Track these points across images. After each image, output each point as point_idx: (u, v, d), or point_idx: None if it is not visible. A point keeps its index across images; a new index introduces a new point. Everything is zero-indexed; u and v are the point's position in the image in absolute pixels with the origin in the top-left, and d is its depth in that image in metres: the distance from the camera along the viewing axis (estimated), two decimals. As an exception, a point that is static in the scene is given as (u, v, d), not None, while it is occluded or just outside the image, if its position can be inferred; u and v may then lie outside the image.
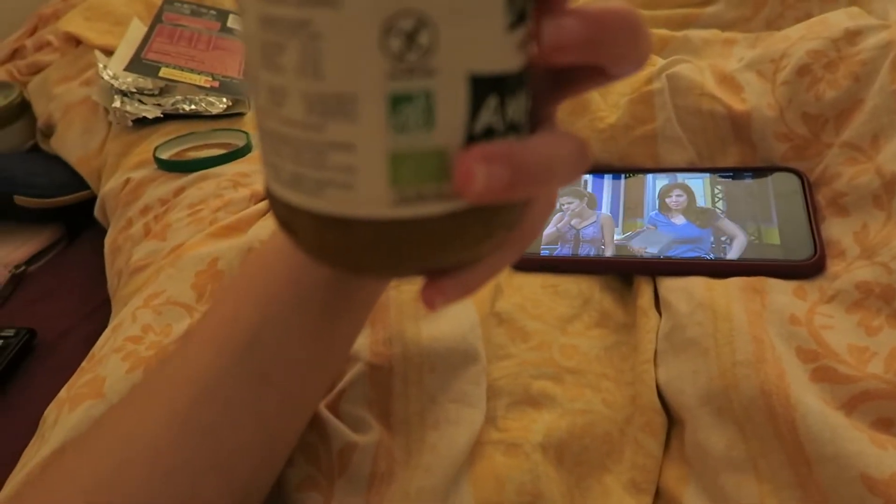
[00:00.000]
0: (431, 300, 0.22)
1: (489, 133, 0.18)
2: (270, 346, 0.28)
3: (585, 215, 0.48)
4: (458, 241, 0.19)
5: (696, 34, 0.68)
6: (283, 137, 0.18)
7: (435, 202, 0.18)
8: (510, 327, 0.42)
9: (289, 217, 0.20)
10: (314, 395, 0.32)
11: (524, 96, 0.19)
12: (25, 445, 0.40)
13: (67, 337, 0.60)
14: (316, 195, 0.18)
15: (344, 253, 0.20)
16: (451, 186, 0.18)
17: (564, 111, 0.52)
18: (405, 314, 0.40)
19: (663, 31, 0.69)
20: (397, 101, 0.17)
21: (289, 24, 0.17)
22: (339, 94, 0.17)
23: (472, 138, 0.18)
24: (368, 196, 0.18)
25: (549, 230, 0.48)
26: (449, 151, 0.18)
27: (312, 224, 0.19)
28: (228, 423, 0.28)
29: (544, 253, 0.46)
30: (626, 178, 0.50)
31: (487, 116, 0.18)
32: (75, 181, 0.72)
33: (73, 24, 0.87)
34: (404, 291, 0.42)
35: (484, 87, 0.17)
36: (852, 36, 0.48)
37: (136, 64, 0.72)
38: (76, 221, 0.73)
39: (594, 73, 0.21)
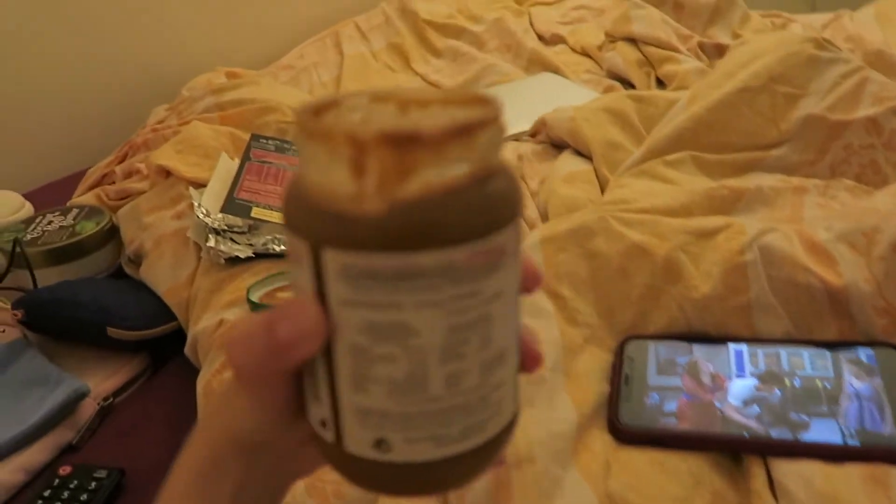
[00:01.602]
0: None
1: None
2: None
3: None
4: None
5: (767, 184, 0.70)
6: None
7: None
8: (623, 508, 0.42)
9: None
10: None
11: None
12: None
13: (156, 474, 0.60)
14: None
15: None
16: None
17: (659, 278, 0.53)
18: (529, 496, 0.41)
19: (735, 184, 0.71)
20: None
21: None
22: None
23: None
24: None
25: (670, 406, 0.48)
26: None
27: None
28: None
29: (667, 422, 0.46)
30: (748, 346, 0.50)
31: None
32: (163, 312, 0.75)
33: (165, 156, 0.92)
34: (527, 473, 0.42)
35: None
36: (944, 215, 0.49)
37: (231, 204, 0.76)
38: (161, 351, 0.75)
39: None
